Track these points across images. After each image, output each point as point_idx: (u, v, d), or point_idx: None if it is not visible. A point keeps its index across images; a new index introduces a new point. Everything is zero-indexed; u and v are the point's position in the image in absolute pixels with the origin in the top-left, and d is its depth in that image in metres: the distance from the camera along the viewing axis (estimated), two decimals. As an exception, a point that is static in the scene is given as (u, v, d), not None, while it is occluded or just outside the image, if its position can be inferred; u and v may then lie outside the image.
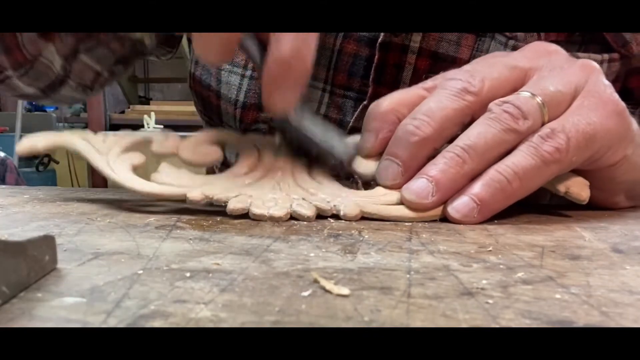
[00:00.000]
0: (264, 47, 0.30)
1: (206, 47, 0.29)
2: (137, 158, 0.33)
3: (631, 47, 0.39)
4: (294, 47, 0.28)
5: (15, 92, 0.52)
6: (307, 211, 0.29)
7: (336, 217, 0.30)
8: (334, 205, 0.30)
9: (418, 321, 0.15)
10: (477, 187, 0.29)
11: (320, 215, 0.30)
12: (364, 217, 0.30)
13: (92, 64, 0.51)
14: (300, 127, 0.32)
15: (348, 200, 0.30)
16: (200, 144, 0.34)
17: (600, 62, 0.39)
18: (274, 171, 0.33)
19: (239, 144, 0.35)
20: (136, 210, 0.31)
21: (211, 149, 0.34)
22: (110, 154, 0.33)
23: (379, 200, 0.31)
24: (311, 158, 0.33)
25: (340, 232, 0.27)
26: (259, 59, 0.31)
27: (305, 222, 0.29)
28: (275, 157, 0.34)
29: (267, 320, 0.15)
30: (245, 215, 0.30)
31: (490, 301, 0.17)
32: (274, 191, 0.31)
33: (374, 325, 0.15)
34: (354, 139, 0.35)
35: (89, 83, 0.53)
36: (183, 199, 0.31)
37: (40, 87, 0.51)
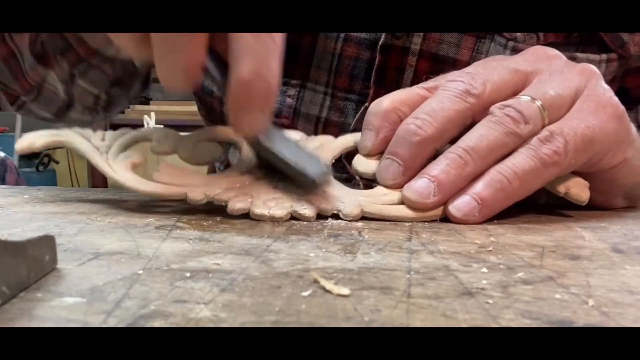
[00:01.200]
0: (226, 69, 0.28)
1: (169, 74, 0.28)
2: (137, 156, 0.33)
3: (628, 48, 0.39)
4: (253, 68, 0.26)
5: (34, 117, 0.55)
6: (308, 211, 0.29)
7: (336, 217, 0.30)
8: (335, 205, 0.30)
9: (418, 321, 0.15)
10: (479, 187, 0.29)
11: (320, 215, 0.30)
12: (364, 217, 0.30)
13: (90, 88, 0.52)
14: (271, 147, 0.31)
15: (348, 200, 0.30)
16: (200, 142, 0.34)
17: (598, 63, 0.39)
18: (275, 170, 0.33)
19: (239, 141, 0.35)
20: (136, 210, 0.31)
21: (211, 146, 0.34)
22: (109, 152, 0.33)
23: (379, 200, 0.31)
24: (285, 177, 0.32)
25: (340, 232, 0.27)
26: (221, 83, 0.30)
27: (305, 222, 0.29)
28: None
29: (267, 320, 0.15)
30: (245, 215, 0.30)
31: (490, 301, 0.17)
32: (274, 191, 0.31)
33: (374, 325, 0.15)
34: (355, 136, 0.35)
35: (92, 106, 0.54)
36: (183, 199, 0.31)
37: (51, 111, 0.54)
